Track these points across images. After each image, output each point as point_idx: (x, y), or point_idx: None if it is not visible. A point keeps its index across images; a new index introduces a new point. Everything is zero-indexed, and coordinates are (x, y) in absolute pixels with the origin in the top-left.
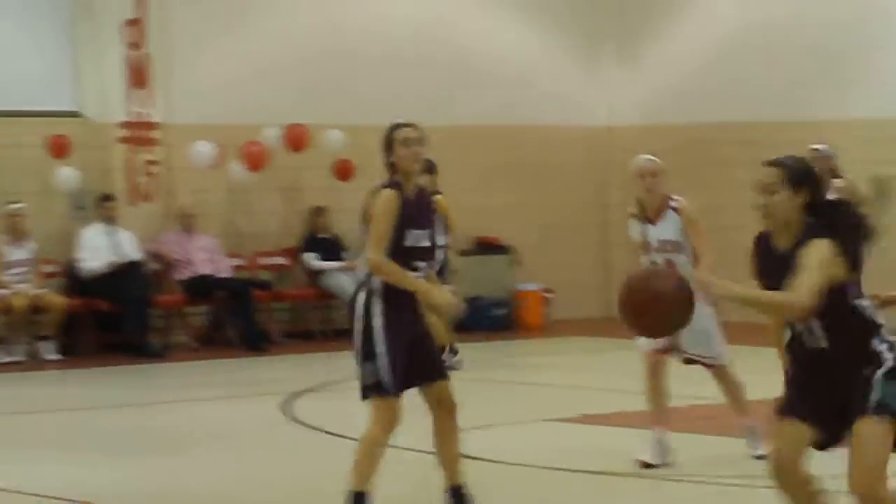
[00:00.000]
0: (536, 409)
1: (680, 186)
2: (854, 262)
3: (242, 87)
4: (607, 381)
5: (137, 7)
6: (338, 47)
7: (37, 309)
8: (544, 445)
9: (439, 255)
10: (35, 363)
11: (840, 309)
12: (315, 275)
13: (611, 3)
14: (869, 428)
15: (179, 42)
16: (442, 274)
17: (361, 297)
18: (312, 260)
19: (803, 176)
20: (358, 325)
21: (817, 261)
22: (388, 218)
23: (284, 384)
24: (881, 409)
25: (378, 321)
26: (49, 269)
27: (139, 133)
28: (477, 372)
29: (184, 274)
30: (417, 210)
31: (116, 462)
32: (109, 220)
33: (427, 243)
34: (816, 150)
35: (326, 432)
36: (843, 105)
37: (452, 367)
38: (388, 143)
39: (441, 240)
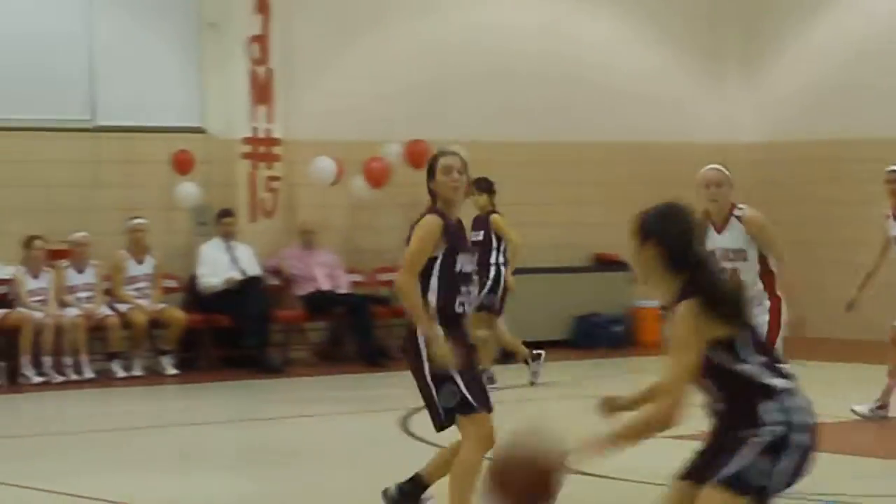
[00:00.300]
0: None
1: (798, 201)
2: (736, 318)
3: (364, 103)
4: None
5: (262, 24)
6: (456, 62)
7: (157, 324)
8: (667, 462)
9: (493, 273)
10: (154, 378)
11: (723, 369)
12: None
13: (733, 15)
14: (711, 499)
15: (302, 58)
16: (496, 292)
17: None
18: None
19: (652, 226)
20: (423, 353)
21: (683, 332)
22: (426, 243)
23: (402, 400)
24: (730, 483)
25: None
26: (169, 283)
27: (261, 149)
28: (594, 389)
29: (303, 289)
30: (460, 236)
31: (235, 476)
32: (229, 235)
33: (471, 268)
34: (894, 171)
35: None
36: None
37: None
38: (430, 170)
39: (497, 258)
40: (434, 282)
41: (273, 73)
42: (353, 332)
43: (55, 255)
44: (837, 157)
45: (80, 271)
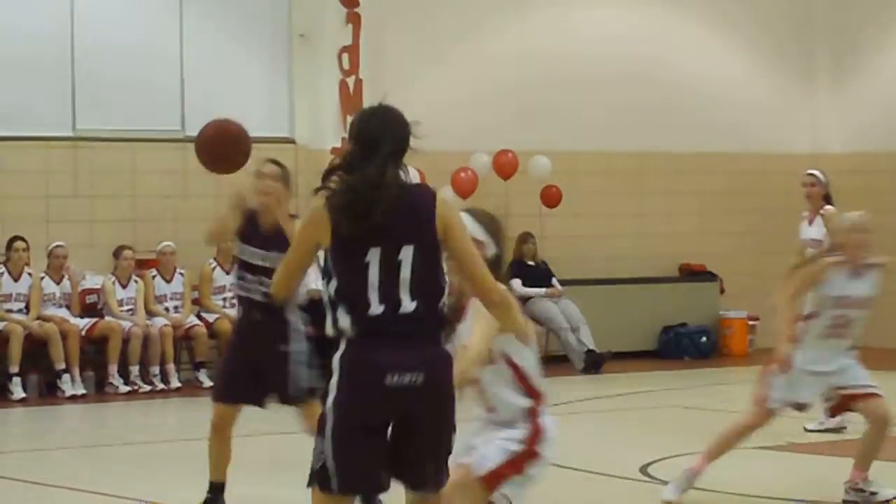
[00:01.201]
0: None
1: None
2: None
3: (452, 113)
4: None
5: (352, 34)
6: (544, 72)
7: None
8: (756, 474)
9: None
10: None
11: None
12: (522, 301)
13: (824, 27)
14: None
15: (391, 68)
16: None
17: None
18: (518, 286)
19: None
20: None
21: None
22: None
23: None
24: None
25: None
26: None
27: None
28: (681, 399)
29: None
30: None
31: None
32: None
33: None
34: (812, 175)
35: None
36: None
37: None
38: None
39: None
40: None
41: (362, 84)
42: None
43: (144, 264)
44: None
45: (168, 281)
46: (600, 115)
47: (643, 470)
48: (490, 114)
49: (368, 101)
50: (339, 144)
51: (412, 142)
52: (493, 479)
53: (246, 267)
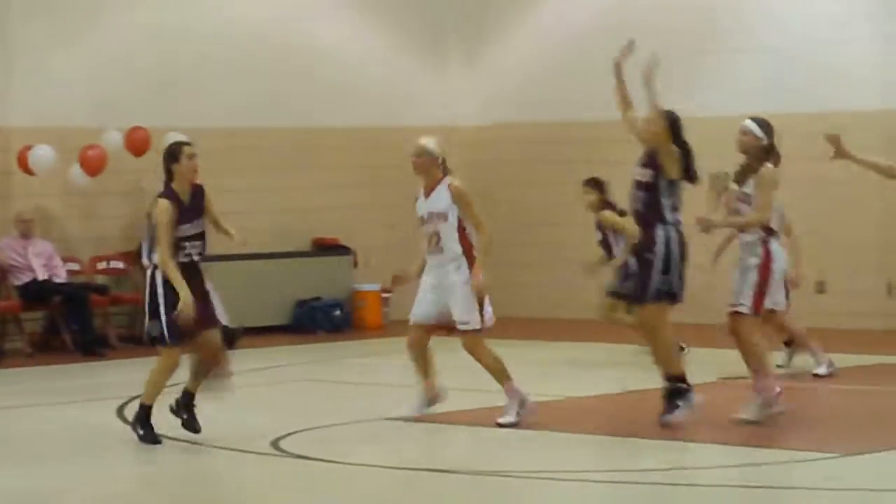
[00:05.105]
0: (375, 408)
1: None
2: None
3: (82, 91)
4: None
5: None
6: (180, 50)
7: None
8: (381, 443)
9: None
10: None
11: None
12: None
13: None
14: None
15: (18, 44)
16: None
17: None
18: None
19: None
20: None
21: None
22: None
23: (121, 388)
24: None
25: None
26: None
27: None
28: (315, 373)
29: (20, 279)
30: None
31: None
32: None
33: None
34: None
35: (160, 435)
36: None
37: None
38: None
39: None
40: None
41: None
42: (70, 322)
43: None
44: (554, 139)
45: None
46: (231, 92)
47: (275, 444)
48: (122, 90)
49: None
50: None
51: None
52: None
53: None
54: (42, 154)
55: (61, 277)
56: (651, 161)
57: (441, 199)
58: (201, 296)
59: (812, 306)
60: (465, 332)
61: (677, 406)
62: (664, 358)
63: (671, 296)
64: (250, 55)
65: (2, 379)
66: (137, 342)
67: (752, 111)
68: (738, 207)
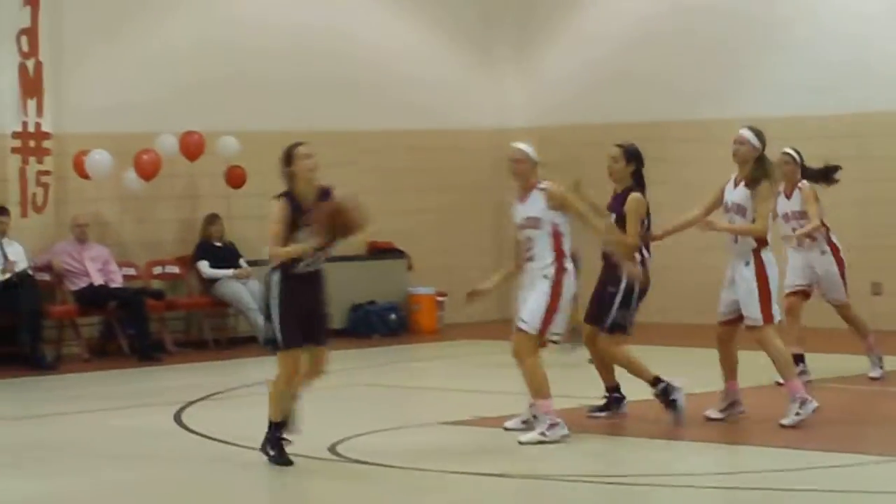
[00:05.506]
0: (431, 412)
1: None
2: None
3: (135, 96)
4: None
5: (30, 16)
6: (231, 53)
7: None
8: (438, 447)
9: None
10: None
11: None
12: (208, 283)
13: (506, 3)
14: None
15: (71, 51)
16: None
17: None
18: (206, 268)
19: None
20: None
21: None
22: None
23: (177, 394)
24: None
25: None
26: None
27: (31, 143)
28: (371, 377)
29: (76, 284)
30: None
31: (9, 475)
32: (1, 233)
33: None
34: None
35: (218, 440)
36: None
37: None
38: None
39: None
40: None
41: (42, 67)
42: (126, 327)
43: None
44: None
45: None
46: (286, 93)
47: (332, 449)
48: (177, 95)
49: (49, 83)
50: (19, 128)
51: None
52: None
53: None
54: (99, 159)
55: (117, 282)
56: (617, 206)
57: (536, 203)
58: (308, 309)
59: (868, 308)
60: (520, 331)
61: (674, 402)
62: (635, 374)
63: (623, 328)
64: (303, 59)
65: (59, 384)
66: (194, 347)
67: (795, 113)
68: (731, 217)
